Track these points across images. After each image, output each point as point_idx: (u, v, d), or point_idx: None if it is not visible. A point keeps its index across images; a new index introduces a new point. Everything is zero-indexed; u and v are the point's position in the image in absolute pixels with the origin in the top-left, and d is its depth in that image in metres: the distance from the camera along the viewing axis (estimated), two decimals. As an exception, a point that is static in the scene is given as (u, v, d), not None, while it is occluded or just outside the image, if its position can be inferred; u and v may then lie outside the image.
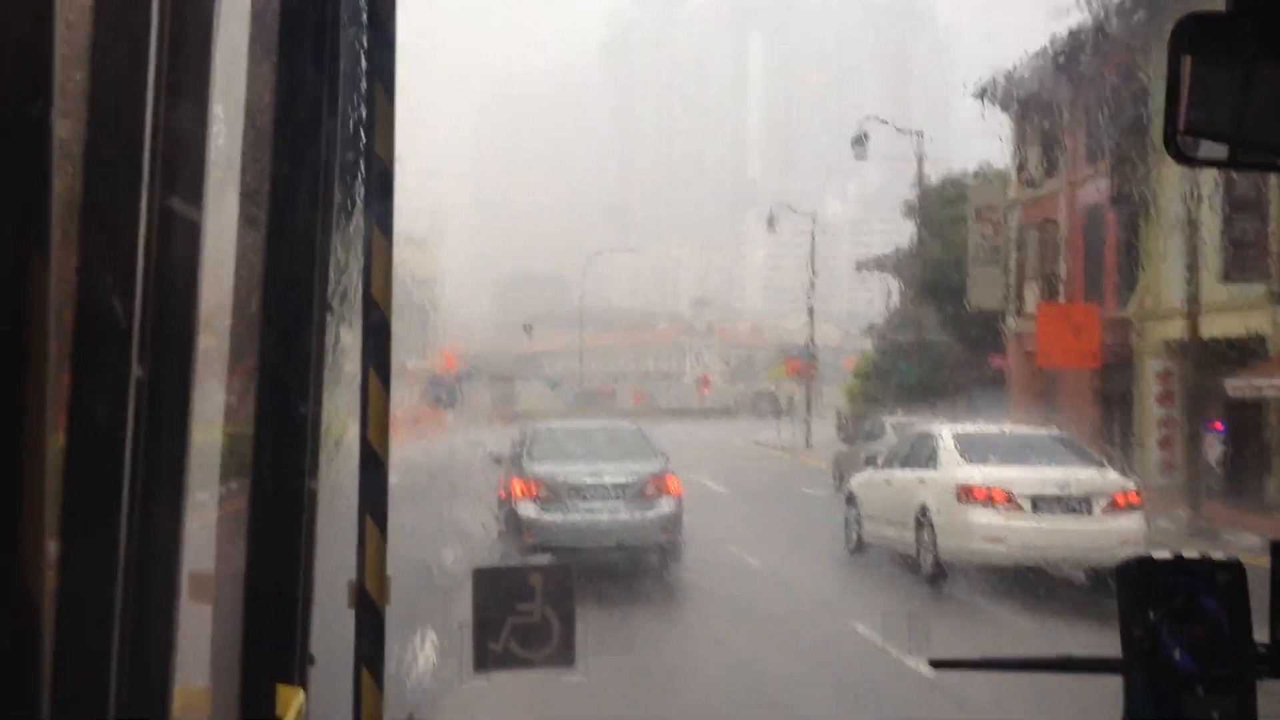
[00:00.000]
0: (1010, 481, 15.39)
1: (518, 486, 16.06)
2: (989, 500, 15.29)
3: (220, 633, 2.13)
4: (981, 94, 33.22)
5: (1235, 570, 2.15)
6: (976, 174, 39.99)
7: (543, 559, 12.34)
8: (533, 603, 2.86)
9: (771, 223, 56.83)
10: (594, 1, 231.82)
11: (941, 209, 39.51)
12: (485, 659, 3.00)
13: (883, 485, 17.51)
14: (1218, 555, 2.16)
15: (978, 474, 15.64)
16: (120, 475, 1.49)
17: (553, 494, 15.81)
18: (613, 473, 16.13)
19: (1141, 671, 2.14)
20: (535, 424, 19.35)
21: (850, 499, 18.62)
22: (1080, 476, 15.63)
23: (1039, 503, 15.22)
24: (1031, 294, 33.76)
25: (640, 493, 16.01)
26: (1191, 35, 1.96)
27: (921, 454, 17.01)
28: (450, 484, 19.65)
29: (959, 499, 15.42)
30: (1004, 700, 8.64)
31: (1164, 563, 2.16)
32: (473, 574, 2.90)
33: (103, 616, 1.46)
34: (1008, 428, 19.41)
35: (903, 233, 43.08)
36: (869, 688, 10.42)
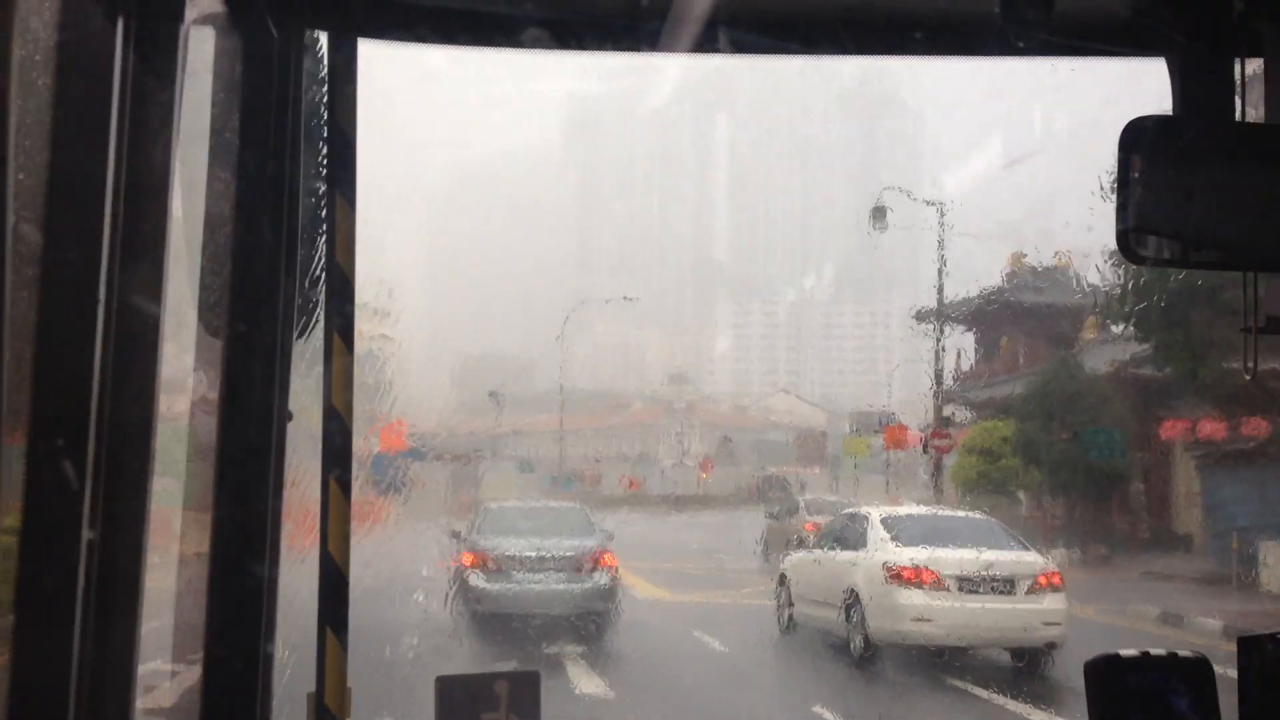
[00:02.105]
0: (937, 562, 15.60)
1: (468, 558, 17.66)
2: (917, 581, 15.48)
3: None
4: None
5: (1202, 667, 2.15)
6: None
7: (508, 665, 13.03)
8: (498, 711, 2.73)
9: (879, 215, 39.16)
10: (557, 81, 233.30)
11: None
12: None
13: (813, 566, 17.68)
14: (1184, 652, 2.16)
15: (905, 555, 15.84)
16: (74, 590, 1.52)
17: (499, 565, 17.30)
18: (554, 548, 17.60)
19: None
20: (487, 504, 21.26)
21: (781, 579, 18.85)
22: (1004, 558, 15.87)
23: (965, 583, 15.43)
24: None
25: (578, 566, 17.45)
26: (1141, 135, 2.00)
27: (851, 535, 17.21)
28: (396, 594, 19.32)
29: (887, 579, 15.61)
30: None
31: (1131, 660, 2.14)
32: (435, 681, 2.72)
33: None
34: (934, 509, 19.73)
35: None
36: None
